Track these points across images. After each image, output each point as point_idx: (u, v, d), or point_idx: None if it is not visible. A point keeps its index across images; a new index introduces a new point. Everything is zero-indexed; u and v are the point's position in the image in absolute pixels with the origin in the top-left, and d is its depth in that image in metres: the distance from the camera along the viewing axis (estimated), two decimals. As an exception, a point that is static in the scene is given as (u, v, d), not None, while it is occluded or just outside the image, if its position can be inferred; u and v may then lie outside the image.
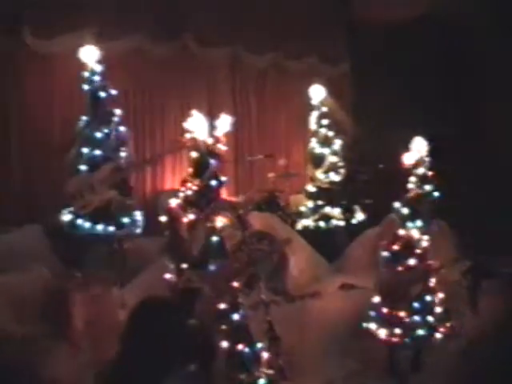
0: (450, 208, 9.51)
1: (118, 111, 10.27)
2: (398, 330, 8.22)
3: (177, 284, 7.58)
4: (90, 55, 10.39)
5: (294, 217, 12.21)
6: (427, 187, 8.91)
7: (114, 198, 9.94)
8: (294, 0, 13.72)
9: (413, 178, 8.89)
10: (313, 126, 12.63)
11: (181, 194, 7.98)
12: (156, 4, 12.47)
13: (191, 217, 7.71)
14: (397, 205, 8.90)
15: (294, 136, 13.84)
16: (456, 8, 12.98)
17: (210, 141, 9.06)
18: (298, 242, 10.80)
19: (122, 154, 10.15)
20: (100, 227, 9.86)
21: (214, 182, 7.80)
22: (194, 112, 8.26)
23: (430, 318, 8.32)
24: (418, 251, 8.53)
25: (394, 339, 8.29)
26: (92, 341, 8.72)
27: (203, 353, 6.88)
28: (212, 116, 10.36)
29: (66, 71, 11.46)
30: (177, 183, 12.43)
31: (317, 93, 12.70)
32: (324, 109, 12.65)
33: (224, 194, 10.88)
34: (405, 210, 8.73)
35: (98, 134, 10.02)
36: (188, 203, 7.85)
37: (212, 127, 10.69)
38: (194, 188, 7.86)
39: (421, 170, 8.92)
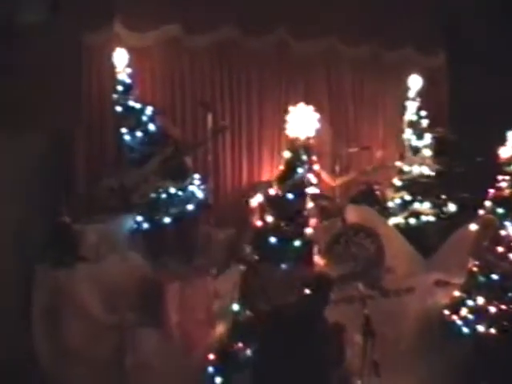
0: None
1: (148, 108, 10.72)
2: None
3: None
4: (120, 58, 10.81)
5: (390, 210, 11.98)
6: None
7: (167, 186, 10.35)
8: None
9: (506, 177, 8.78)
10: (410, 116, 12.39)
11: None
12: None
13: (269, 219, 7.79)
14: (489, 204, 8.80)
15: (392, 127, 13.58)
16: None
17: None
18: (393, 236, 10.68)
19: (166, 145, 10.61)
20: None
21: (290, 196, 7.73)
22: (298, 107, 8.13)
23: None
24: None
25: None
26: (185, 330, 8.78)
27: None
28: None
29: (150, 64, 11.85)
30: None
31: (414, 83, 12.47)
32: (419, 99, 12.40)
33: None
34: (500, 210, 8.63)
35: (138, 134, 10.59)
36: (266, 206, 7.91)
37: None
38: (272, 193, 7.89)
39: None
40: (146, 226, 10.25)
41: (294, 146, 7.94)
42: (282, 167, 8.12)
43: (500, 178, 8.97)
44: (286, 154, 8.01)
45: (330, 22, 12.93)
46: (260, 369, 6.94)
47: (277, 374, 6.63)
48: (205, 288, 9.22)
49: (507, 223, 8.69)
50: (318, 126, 7.94)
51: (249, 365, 7.38)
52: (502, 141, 9.29)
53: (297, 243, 7.71)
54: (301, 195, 7.80)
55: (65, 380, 8.59)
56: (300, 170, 7.86)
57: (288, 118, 8.02)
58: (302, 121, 7.92)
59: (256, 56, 12.67)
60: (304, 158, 7.95)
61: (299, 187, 7.80)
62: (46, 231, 9.70)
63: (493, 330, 8.42)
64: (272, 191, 7.94)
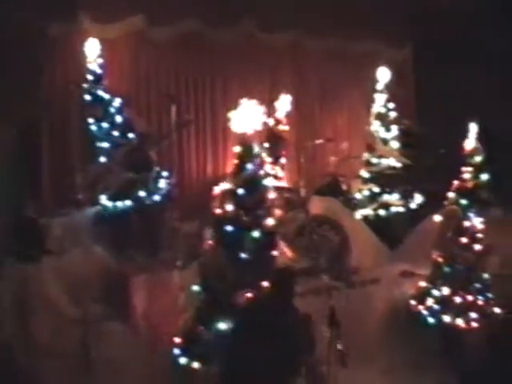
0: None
1: (116, 99, 10.68)
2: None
3: None
4: (92, 48, 10.77)
5: (355, 202, 11.99)
6: (484, 176, 8.88)
7: (131, 178, 10.34)
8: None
9: (468, 168, 8.87)
10: (378, 108, 12.42)
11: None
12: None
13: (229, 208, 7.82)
14: (453, 195, 8.89)
15: (357, 119, 13.60)
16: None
17: (270, 123, 8.96)
18: (359, 228, 10.72)
19: (132, 137, 10.62)
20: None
21: (241, 191, 7.72)
22: (245, 101, 7.96)
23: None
24: (480, 236, 8.74)
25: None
26: (151, 322, 8.76)
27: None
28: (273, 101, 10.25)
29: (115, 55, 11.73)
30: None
31: (383, 75, 12.49)
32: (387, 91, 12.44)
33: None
34: (463, 201, 8.74)
35: (104, 125, 10.56)
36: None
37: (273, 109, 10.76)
38: (228, 187, 7.91)
39: (477, 159, 8.90)
40: (110, 218, 10.18)
41: (243, 140, 7.89)
42: (234, 161, 8.13)
43: (464, 169, 9.05)
44: (236, 149, 7.97)
45: (296, 14, 12.87)
46: (231, 361, 6.94)
47: (248, 366, 6.62)
48: (170, 281, 9.21)
49: (471, 214, 8.77)
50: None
51: (212, 345, 7.44)
52: (467, 133, 9.39)
53: (255, 234, 7.71)
54: (254, 190, 7.78)
55: (36, 374, 8.53)
56: (249, 166, 7.84)
57: (231, 113, 7.92)
58: (247, 115, 7.82)
59: (221, 48, 12.63)
60: (255, 152, 7.92)
61: (250, 182, 7.77)
62: (12, 225, 9.61)
63: (459, 320, 8.49)
64: (227, 185, 7.96)
